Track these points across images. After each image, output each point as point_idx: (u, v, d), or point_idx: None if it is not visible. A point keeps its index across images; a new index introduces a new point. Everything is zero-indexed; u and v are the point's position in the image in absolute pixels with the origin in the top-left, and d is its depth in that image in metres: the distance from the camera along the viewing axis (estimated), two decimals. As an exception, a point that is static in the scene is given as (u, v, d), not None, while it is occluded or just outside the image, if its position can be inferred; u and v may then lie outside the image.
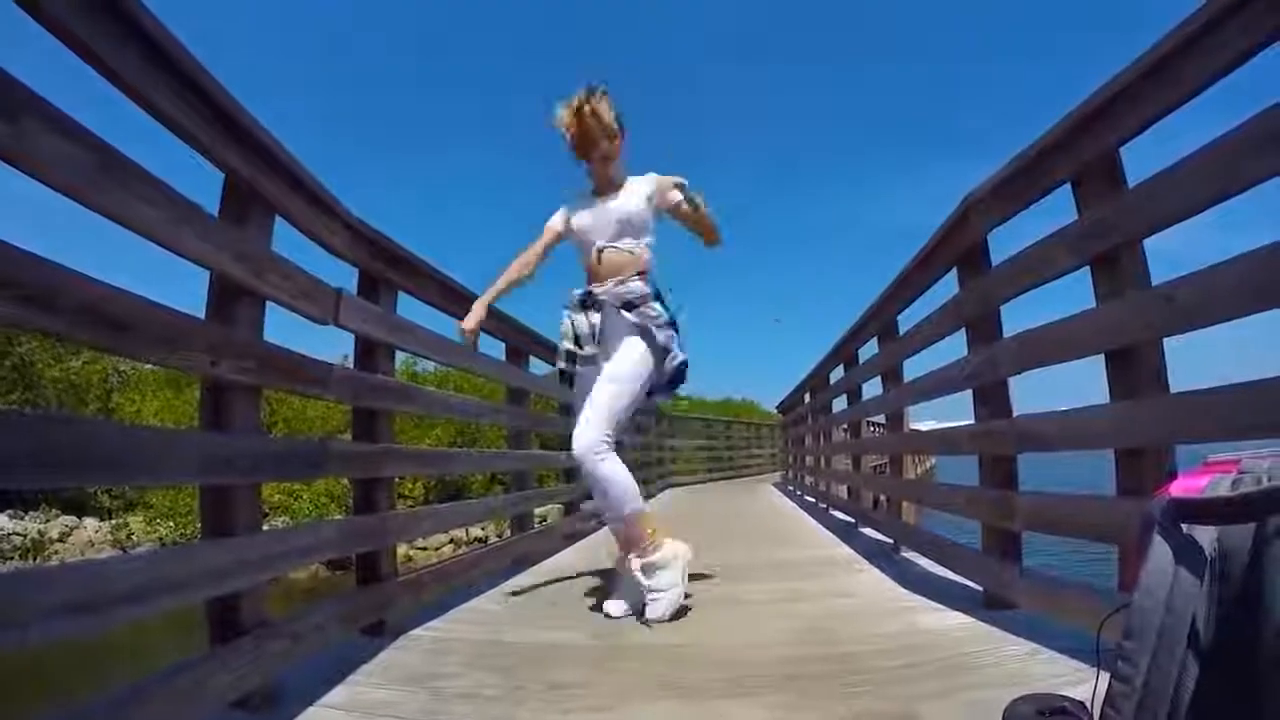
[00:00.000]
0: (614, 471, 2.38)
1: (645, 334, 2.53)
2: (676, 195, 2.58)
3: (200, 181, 1.55)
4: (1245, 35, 1.28)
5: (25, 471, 1.08)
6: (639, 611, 2.41)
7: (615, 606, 2.46)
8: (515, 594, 2.96)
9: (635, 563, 2.41)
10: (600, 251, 2.59)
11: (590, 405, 2.42)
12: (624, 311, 2.52)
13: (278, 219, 1.80)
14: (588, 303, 2.58)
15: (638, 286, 2.55)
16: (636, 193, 2.61)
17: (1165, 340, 1.62)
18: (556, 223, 2.75)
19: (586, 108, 2.47)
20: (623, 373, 2.47)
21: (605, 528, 3.11)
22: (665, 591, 2.40)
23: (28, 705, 4.59)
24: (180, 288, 1.60)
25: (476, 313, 2.66)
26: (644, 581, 2.39)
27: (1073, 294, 1.87)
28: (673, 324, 2.59)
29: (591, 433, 2.36)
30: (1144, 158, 1.64)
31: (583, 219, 2.65)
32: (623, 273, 2.57)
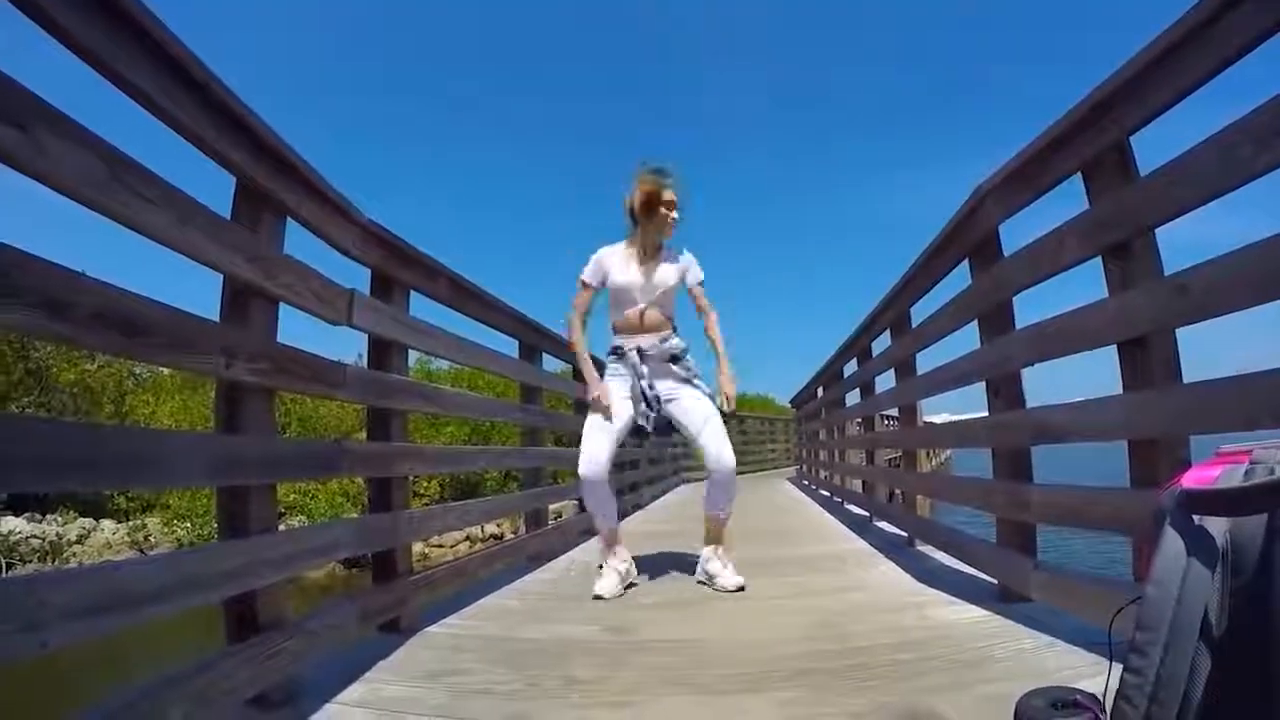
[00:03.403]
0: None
1: (689, 383, 3.01)
2: (698, 276, 3.08)
3: (213, 184, 1.57)
4: (1253, 23, 1.27)
5: (39, 475, 1.10)
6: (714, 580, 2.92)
7: (729, 580, 2.88)
8: (530, 590, 2.97)
9: (722, 549, 3.01)
10: (644, 311, 3.00)
11: (718, 438, 2.92)
12: (671, 364, 3.00)
13: (290, 221, 1.81)
14: (640, 356, 2.97)
15: (679, 342, 3.04)
16: (676, 267, 3.03)
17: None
18: (591, 278, 3.05)
19: (670, 194, 2.95)
20: (713, 410, 2.99)
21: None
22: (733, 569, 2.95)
23: (45, 704, 4.65)
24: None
25: (603, 388, 3.01)
26: (726, 560, 2.98)
27: (1087, 286, 1.86)
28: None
29: (732, 454, 2.92)
30: (1154, 146, 1.63)
31: (626, 277, 2.99)
32: (662, 329, 3.02)
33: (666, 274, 3.00)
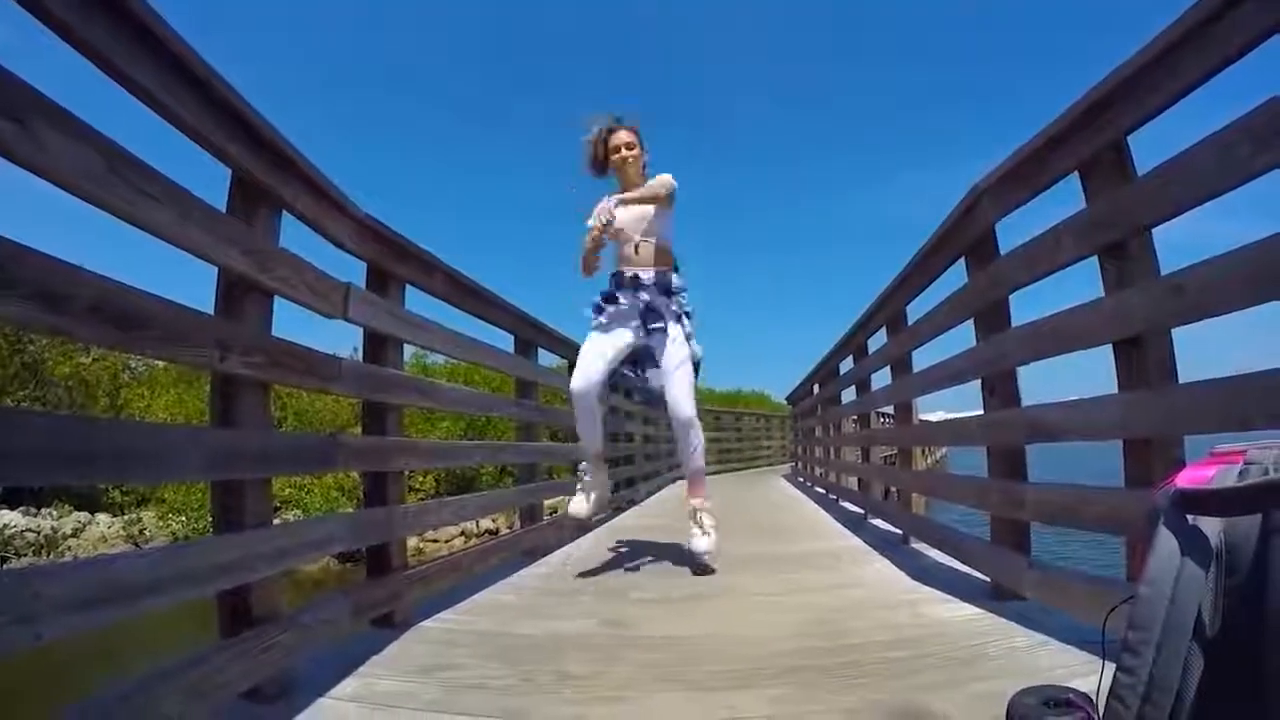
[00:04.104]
0: (701, 435, 3.14)
1: (679, 319, 3.11)
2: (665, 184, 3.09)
3: (209, 176, 1.56)
4: (1254, 22, 1.27)
5: (34, 468, 1.09)
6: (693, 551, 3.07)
7: (698, 542, 3.06)
8: (525, 585, 2.97)
9: (700, 504, 3.12)
10: (638, 245, 3.12)
11: (680, 386, 3.04)
12: (666, 296, 3.09)
13: (285, 214, 1.80)
14: (635, 284, 3.08)
15: (676, 278, 3.14)
16: (654, 192, 3.07)
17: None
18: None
19: (623, 135, 3.13)
20: (685, 358, 3.07)
21: (614, 519, 3.49)
22: (711, 534, 3.09)
23: (39, 697, 4.65)
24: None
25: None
26: (705, 521, 3.09)
27: (1084, 285, 1.86)
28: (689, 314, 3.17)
29: (691, 406, 3.06)
30: (1151, 146, 1.63)
31: (619, 216, 3.03)
32: (658, 262, 3.13)
33: (649, 206, 3.08)
